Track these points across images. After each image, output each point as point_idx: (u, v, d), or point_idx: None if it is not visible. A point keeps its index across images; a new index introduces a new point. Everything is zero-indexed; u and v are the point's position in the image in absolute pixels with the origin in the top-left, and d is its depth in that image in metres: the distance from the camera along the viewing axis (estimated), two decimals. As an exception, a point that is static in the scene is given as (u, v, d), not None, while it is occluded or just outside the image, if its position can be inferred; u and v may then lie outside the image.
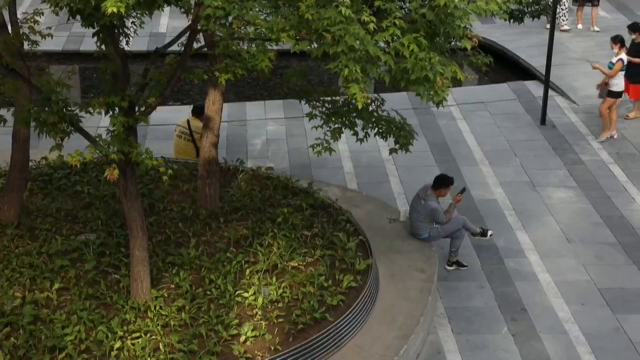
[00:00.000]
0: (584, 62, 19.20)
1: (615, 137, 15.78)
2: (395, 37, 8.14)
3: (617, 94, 15.63)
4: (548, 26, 20.62)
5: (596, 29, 21.13)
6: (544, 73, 16.86)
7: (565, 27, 21.10)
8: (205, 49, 10.67)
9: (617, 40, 15.63)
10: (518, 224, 13.09)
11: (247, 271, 10.57)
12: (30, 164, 11.77)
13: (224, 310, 9.90)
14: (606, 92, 15.63)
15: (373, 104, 10.60)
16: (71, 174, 12.83)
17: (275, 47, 8.68)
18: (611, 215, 13.36)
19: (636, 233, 12.86)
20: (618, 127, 16.19)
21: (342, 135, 10.33)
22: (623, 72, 15.57)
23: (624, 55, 15.46)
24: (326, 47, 7.97)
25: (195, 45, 9.72)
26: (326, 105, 10.90)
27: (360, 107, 7.92)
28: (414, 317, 10.24)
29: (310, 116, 10.89)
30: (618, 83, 15.56)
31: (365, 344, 9.82)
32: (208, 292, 10.21)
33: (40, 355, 9.17)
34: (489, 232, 12.06)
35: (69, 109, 8.80)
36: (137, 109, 9.22)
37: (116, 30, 8.82)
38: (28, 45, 10.49)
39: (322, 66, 8.93)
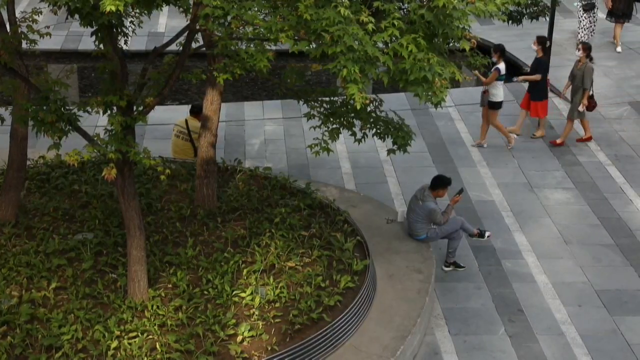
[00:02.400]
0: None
1: (485, 146, 15.59)
2: (394, 38, 8.14)
3: (497, 105, 15.36)
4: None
5: (619, 49, 20.20)
6: (542, 74, 16.84)
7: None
8: (204, 48, 10.67)
9: (497, 49, 15.51)
10: (515, 225, 13.09)
11: (245, 271, 10.57)
12: (28, 162, 11.77)
13: (221, 310, 9.90)
14: (486, 100, 15.44)
15: (371, 104, 10.61)
16: (69, 173, 12.83)
17: (273, 47, 8.68)
18: (608, 217, 13.36)
19: (633, 235, 12.87)
20: (615, 129, 16.20)
21: (340, 135, 10.34)
22: (502, 83, 15.32)
23: (502, 65, 15.16)
24: (325, 48, 7.97)
25: (194, 45, 9.72)
26: (324, 105, 10.90)
27: (358, 107, 7.92)
28: (411, 318, 10.24)
29: (309, 116, 10.89)
30: (497, 94, 15.27)
31: (362, 344, 9.83)
32: (205, 292, 10.21)
33: (36, 354, 9.16)
34: (487, 233, 12.06)
35: (67, 108, 8.80)
36: (135, 108, 9.21)
37: (115, 30, 8.81)
38: (26, 44, 10.48)
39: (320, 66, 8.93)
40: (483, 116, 15.61)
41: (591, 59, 15.52)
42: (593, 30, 20.03)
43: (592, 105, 15.47)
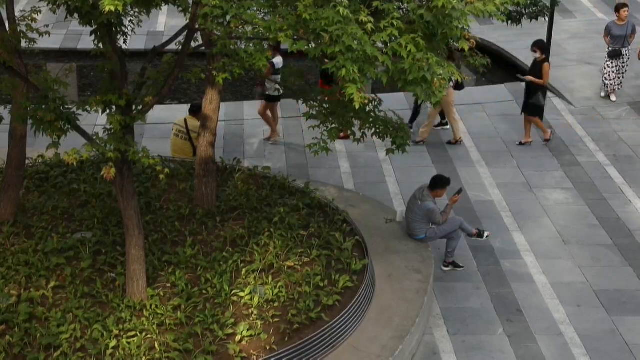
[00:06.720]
0: (582, 63, 19.22)
1: (277, 139, 15.52)
2: (393, 38, 8.15)
3: (274, 98, 15.22)
4: (613, 98, 17.65)
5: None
6: (541, 74, 16.83)
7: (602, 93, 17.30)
8: (203, 48, 10.66)
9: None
10: (514, 225, 13.09)
11: (243, 270, 10.57)
12: (27, 161, 11.76)
13: (220, 310, 9.90)
14: (262, 93, 15.27)
15: (370, 104, 10.60)
16: (68, 172, 12.82)
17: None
18: (607, 217, 13.37)
19: (632, 235, 12.87)
20: (614, 129, 16.19)
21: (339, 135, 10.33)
22: (278, 77, 14.63)
23: (277, 59, 14.64)
24: (324, 47, 7.97)
25: (193, 44, 9.72)
26: (323, 105, 10.89)
27: (357, 107, 7.92)
28: (410, 318, 10.24)
29: (308, 116, 10.89)
30: (272, 87, 14.96)
31: (361, 344, 9.83)
32: (204, 292, 10.21)
33: (35, 353, 9.16)
34: (486, 233, 12.06)
35: (66, 107, 8.80)
36: (134, 107, 9.21)
37: (114, 29, 8.81)
38: (25, 43, 10.48)
39: (319, 66, 8.93)
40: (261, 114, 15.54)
41: None
42: (620, 79, 17.59)
43: None
